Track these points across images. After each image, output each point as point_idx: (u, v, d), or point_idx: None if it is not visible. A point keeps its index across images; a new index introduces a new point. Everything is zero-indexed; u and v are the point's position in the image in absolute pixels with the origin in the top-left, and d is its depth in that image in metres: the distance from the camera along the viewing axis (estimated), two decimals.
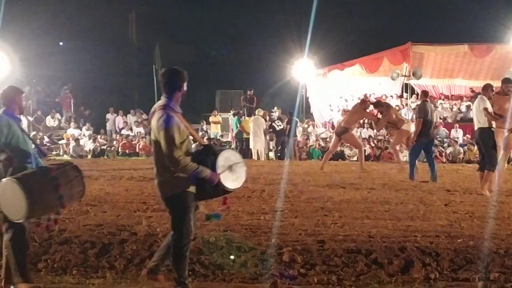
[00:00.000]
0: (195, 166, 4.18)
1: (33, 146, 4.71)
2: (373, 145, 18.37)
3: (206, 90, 27.06)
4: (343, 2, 31.99)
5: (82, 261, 5.32)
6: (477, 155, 10.38)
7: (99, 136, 21.09)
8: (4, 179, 4.34)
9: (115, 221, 6.66)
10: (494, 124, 8.80)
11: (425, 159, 11.80)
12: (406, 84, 22.92)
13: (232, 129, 21.48)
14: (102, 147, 20.12)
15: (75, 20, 28.29)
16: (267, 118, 19.48)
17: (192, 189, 4.30)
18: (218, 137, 21.20)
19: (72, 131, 21.52)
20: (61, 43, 31.02)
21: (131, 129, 22.40)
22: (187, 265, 4.43)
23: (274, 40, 29.22)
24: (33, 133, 18.57)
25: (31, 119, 20.50)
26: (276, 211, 7.39)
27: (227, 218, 6.30)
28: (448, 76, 24.21)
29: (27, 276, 4.64)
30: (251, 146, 17.99)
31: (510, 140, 9.13)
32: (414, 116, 13.59)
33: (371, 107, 15.25)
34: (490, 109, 8.75)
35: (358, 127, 18.71)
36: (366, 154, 15.71)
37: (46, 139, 20.22)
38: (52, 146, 19.65)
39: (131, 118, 23.59)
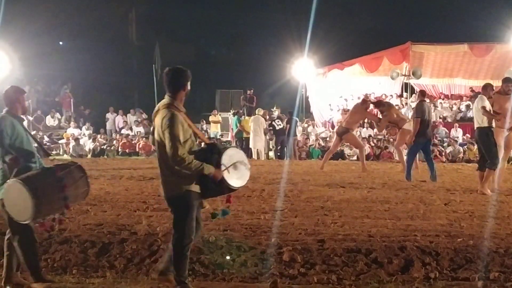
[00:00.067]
0: (198, 164, 4.17)
1: (36, 145, 4.71)
2: (372, 144, 18.37)
3: (206, 89, 27.05)
4: (343, 2, 32.03)
5: (82, 260, 5.32)
6: (477, 155, 10.38)
7: (99, 136, 21.10)
8: (9, 181, 4.32)
9: (115, 221, 6.66)
10: (494, 123, 8.80)
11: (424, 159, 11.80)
12: (406, 84, 22.93)
13: (232, 129, 21.49)
14: (102, 147, 20.13)
15: (75, 20, 28.28)
16: (267, 117, 19.49)
17: (195, 188, 4.29)
18: (218, 137, 21.20)
19: (72, 130, 21.54)
20: (61, 43, 31.04)
21: (131, 129, 22.41)
22: (187, 265, 4.43)
23: (274, 39, 29.26)
24: (33, 132, 18.54)
25: (31, 118, 20.50)
26: (276, 210, 7.39)
27: (226, 217, 6.29)
28: (448, 75, 24.21)
29: (40, 275, 4.65)
30: (251, 145, 18.00)
31: (510, 140, 9.13)
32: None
33: (372, 106, 15.24)
34: (489, 108, 8.75)
35: (358, 127, 18.70)
36: (366, 153, 15.70)
37: (46, 138, 20.23)
38: (51, 146, 19.64)
39: (131, 118, 23.60)
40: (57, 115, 23.62)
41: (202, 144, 4.54)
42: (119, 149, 19.99)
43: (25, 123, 4.89)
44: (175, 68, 4.37)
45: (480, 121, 8.84)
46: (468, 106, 20.88)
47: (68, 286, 4.70)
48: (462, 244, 5.51)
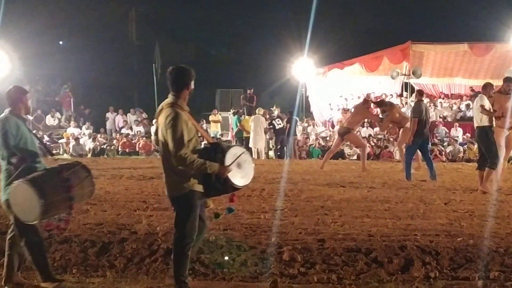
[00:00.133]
0: (202, 162, 4.15)
1: (39, 145, 4.70)
2: (372, 144, 18.37)
3: (206, 89, 27.03)
4: (343, 1, 32.04)
5: (82, 260, 5.32)
6: (477, 154, 10.38)
7: (99, 135, 21.11)
8: (15, 181, 4.30)
9: (115, 220, 6.65)
10: (494, 123, 8.79)
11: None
12: (406, 83, 22.90)
13: (232, 128, 21.50)
14: (102, 146, 20.13)
15: (75, 19, 28.28)
16: (267, 116, 19.50)
17: (199, 187, 4.28)
18: (218, 136, 21.19)
19: (72, 130, 21.53)
20: (61, 42, 31.03)
21: (131, 128, 22.41)
22: (188, 264, 4.43)
23: (274, 39, 29.26)
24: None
25: (31, 118, 20.48)
26: (276, 210, 7.38)
27: (227, 217, 6.29)
28: (448, 75, 24.20)
29: (50, 274, 4.64)
30: (251, 144, 17.99)
31: (511, 139, 9.13)
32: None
33: (373, 106, 15.24)
34: (488, 107, 8.74)
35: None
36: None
37: (46, 138, 20.21)
38: (51, 146, 19.64)
39: (131, 117, 23.61)
40: (57, 114, 23.61)
41: (203, 143, 4.54)
42: (119, 149, 20.00)
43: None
44: (179, 67, 4.35)
45: (479, 120, 8.84)
46: (468, 106, 20.88)
47: (68, 285, 4.70)
48: (462, 243, 5.51)
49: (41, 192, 4.16)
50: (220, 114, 23.08)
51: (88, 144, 20.21)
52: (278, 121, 18.39)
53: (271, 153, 19.36)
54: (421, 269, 4.95)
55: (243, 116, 20.54)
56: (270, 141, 19.29)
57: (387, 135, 18.08)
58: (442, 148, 17.95)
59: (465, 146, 17.81)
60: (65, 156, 18.59)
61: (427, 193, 8.91)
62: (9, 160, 4.45)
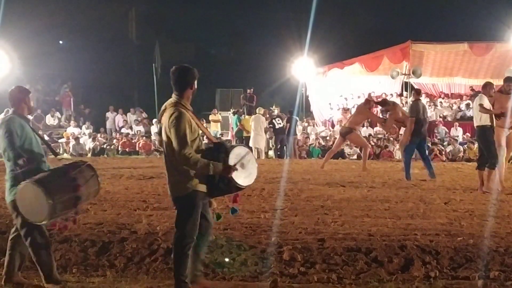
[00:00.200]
0: (206, 162, 4.13)
1: (42, 145, 4.69)
2: (372, 143, 18.37)
3: (206, 88, 27.00)
4: (343, 1, 32.01)
5: (82, 259, 5.32)
6: (477, 154, 10.39)
7: (99, 135, 21.11)
8: (23, 182, 4.27)
9: (115, 220, 6.66)
10: (494, 122, 8.78)
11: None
12: (406, 83, 22.91)
13: (232, 128, 21.49)
14: (102, 146, 20.13)
15: (75, 19, 28.28)
16: (267, 115, 19.50)
17: (202, 187, 4.27)
18: (218, 136, 21.19)
19: (72, 129, 21.53)
20: (61, 42, 31.02)
21: (131, 128, 22.41)
22: (187, 264, 4.42)
23: (274, 38, 29.24)
24: None
25: (31, 117, 20.43)
26: (276, 209, 7.39)
27: (227, 216, 6.29)
28: (448, 74, 24.22)
29: (54, 276, 4.62)
30: (251, 144, 18.00)
31: (511, 139, 9.13)
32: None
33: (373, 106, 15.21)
34: (488, 107, 8.74)
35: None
36: None
37: (46, 137, 20.21)
38: (52, 145, 19.65)
39: (131, 117, 23.61)
40: (57, 114, 23.60)
41: (203, 143, 4.53)
42: (119, 148, 20.00)
43: None
44: (182, 67, 4.34)
45: (478, 119, 8.84)
46: (468, 105, 20.87)
47: (68, 285, 4.69)
48: (462, 243, 5.51)
49: (49, 192, 4.14)
50: (220, 114, 23.09)
51: (88, 143, 20.21)
52: (278, 120, 18.39)
53: (271, 152, 19.36)
54: (421, 269, 4.95)
55: (243, 115, 20.55)
56: (270, 141, 19.28)
57: (387, 135, 18.08)
58: (442, 148, 17.96)
59: (465, 146, 17.81)
60: (65, 155, 18.57)
61: (427, 192, 8.92)
62: (15, 161, 4.42)
